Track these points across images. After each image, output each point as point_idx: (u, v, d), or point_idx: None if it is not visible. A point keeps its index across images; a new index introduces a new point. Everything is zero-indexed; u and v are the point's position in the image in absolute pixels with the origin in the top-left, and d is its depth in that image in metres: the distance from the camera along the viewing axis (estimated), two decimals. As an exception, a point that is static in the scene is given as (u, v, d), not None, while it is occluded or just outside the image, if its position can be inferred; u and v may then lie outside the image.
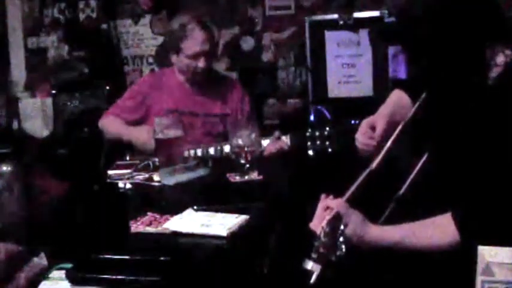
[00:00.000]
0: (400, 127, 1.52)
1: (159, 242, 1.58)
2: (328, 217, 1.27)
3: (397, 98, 1.74)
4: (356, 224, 1.30)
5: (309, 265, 1.16)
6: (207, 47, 2.59)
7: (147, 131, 2.50)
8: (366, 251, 1.32)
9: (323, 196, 1.39)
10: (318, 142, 2.12)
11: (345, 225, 1.27)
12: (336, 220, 1.27)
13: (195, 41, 2.58)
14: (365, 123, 1.65)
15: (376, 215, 1.38)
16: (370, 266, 1.40)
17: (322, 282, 1.15)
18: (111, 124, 2.76)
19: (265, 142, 2.32)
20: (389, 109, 1.69)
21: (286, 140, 2.34)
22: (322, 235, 1.21)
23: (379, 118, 1.65)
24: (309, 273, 1.15)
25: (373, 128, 1.64)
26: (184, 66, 2.65)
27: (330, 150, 2.10)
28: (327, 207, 1.33)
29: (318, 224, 1.30)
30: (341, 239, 1.22)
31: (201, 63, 2.60)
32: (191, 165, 2.26)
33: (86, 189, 2.25)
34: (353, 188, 1.40)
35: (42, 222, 1.81)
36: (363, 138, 1.64)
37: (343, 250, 1.19)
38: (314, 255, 1.17)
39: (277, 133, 2.36)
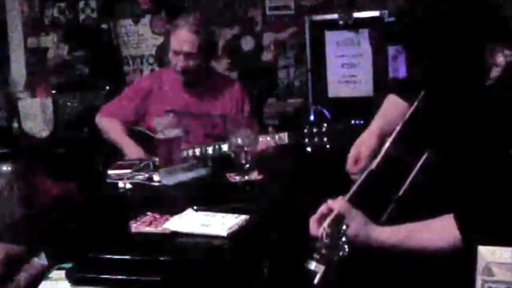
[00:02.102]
0: (398, 128, 1.52)
1: (159, 242, 1.58)
2: (330, 218, 1.27)
3: (390, 106, 1.76)
4: (358, 225, 1.30)
5: (312, 266, 1.15)
6: (188, 49, 2.58)
7: (135, 153, 2.55)
8: (367, 251, 1.32)
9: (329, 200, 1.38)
10: (316, 139, 2.13)
11: (347, 226, 1.26)
12: (338, 220, 1.26)
13: (179, 38, 2.59)
14: (351, 156, 1.71)
15: (376, 215, 1.38)
16: (370, 265, 1.40)
17: (325, 283, 1.15)
18: (108, 126, 2.77)
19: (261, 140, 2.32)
20: (380, 124, 1.73)
21: (276, 137, 2.33)
22: (324, 236, 1.21)
23: (365, 144, 1.70)
24: (312, 273, 1.15)
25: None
26: (171, 60, 2.67)
27: (327, 146, 2.11)
28: (329, 209, 1.33)
29: (316, 224, 1.30)
30: (343, 239, 1.21)
31: (180, 62, 2.61)
32: (191, 165, 2.26)
33: (85, 189, 2.26)
34: (354, 188, 1.39)
35: (42, 222, 1.81)
36: (350, 171, 1.70)
37: (346, 250, 1.18)
38: (317, 256, 1.16)
39: (270, 129, 2.36)
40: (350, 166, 1.71)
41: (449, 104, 1.41)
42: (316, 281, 1.13)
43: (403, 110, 1.65)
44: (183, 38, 2.59)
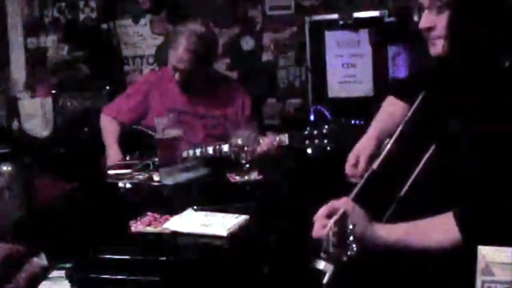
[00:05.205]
0: (400, 127, 1.52)
1: (159, 242, 1.58)
2: (335, 216, 1.26)
3: (389, 108, 1.77)
4: (363, 223, 1.30)
5: (321, 265, 1.14)
6: (184, 66, 2.59)
7: (114, 160, 2.57)
8: (368, 249, 1.32)
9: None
10: (316, 140, 2.12)
11: (354, 225, 1.25)
12: (344, 219, 1.25)
13: (175, 56, 2.59)
14: (350, 160, 1.75)
15: (378, 216, 1.38)
16: (371, 264, 1.40)
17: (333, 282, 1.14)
18: (105, 126, 2.81)
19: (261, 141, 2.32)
20: (377, 129, 1.74)
21: (277, 137, 2.33)
22: (330, 234, 1.20)
23: (364, 148, 1.73)
24: (321, 273, 1.13)
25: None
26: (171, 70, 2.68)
27: (328, 148, 2.10)
28: (334, 209, 1.32)
29: (321, 224, 1.29)
30: (351, 238, 1.20)
31: (176, 76, 2.63)
32: (191, 165, 2.26)
33: (85, 189, 2.25)
34: (357, 188, 1.39)
35: (42, 221, 1.81)
36: (349, 173, 1.75)
37: (354, 250, 1.17)
38: (324, 255, 1.15)
39: (267, 133, 2.37)
40: (348, 169, 1.75)
41: (454, 101, 1.40)
42: (325, 280, 1.12)
43: (402, 112, 1.65)
44: (179, 56, 2.58)
